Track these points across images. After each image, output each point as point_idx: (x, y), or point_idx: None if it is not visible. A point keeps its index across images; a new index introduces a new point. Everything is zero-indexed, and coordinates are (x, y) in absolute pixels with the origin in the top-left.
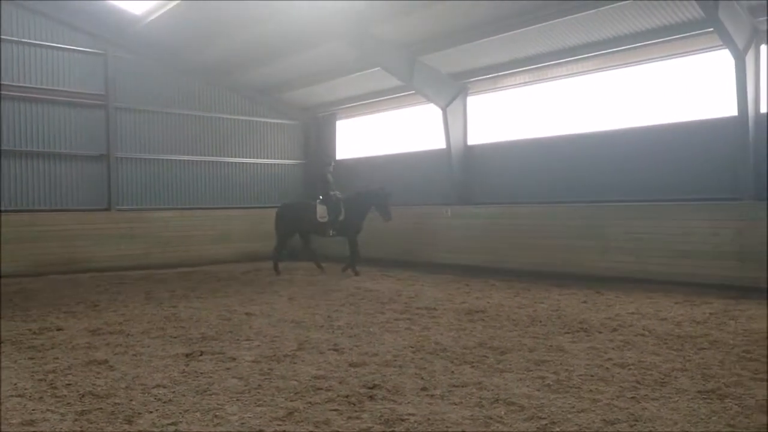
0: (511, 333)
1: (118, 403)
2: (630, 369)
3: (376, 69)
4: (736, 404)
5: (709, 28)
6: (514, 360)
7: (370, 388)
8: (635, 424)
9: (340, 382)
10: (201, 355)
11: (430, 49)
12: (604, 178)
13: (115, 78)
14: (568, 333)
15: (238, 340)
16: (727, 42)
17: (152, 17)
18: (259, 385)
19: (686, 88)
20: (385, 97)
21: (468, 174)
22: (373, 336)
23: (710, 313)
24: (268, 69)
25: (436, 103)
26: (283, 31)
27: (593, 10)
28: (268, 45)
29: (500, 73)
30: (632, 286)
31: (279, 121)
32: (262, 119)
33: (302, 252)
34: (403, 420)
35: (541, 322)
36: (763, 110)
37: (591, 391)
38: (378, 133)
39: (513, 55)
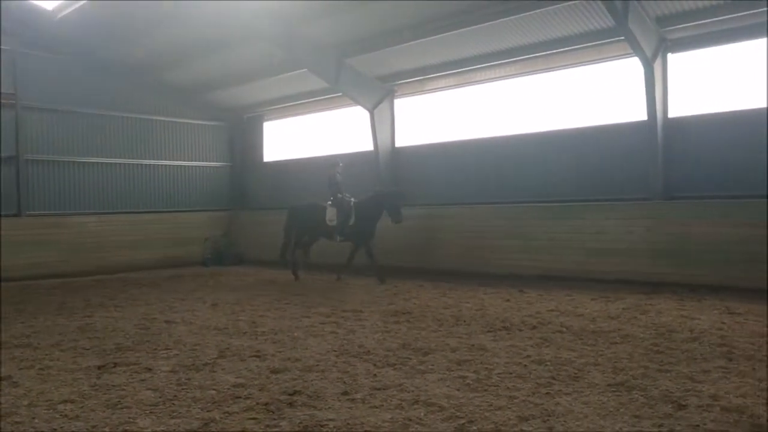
0: (435, 333)
1: (19, 422)
2: (546, 365)
3: (303, 70)
4: (641, 395)
5: (620, 36)
6: (437, 360)
7: (290, 394)
8: (548, 420)
9: (260, 390)
10: (114, 366)
11: (357, 51)
12: (526, 179)
13: (25, 76)
14: (490, 332)
15: (155, 349)
16: (637, 50)
17: (65, 12)
18: (175, 396)
19: (600, 93)
20: (313, 99)
21: (396, 176)
22: (298, 341)
23: (623, 309)
24: (192, 68)
25: (364, 105)
26: (207, 30)
27: (515, 16)
28: (192, 43)
29: (426, 76)
30: (553, 283)
31: (203, 122)
32: (186, 120)
33: (303, 258)
34: (322, 426)
35: (465, 321)
36: (670, 115)
37: (508, 388)
38: (306, 135)
39: (438, 59)
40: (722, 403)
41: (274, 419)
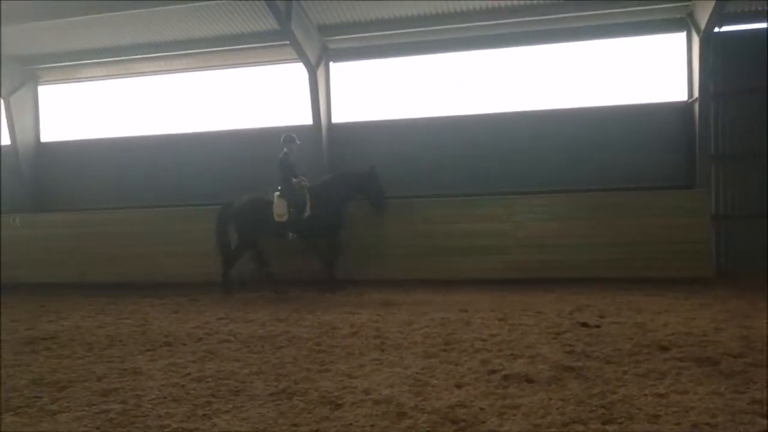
0: (80, 361)
1: None
2: (207, 381)
3: None
4: (301, 401)
5: (286, 41)
6: (76, 394)
7: None
8: None
9: None
10: None
11: None
12: (191, 180)
13: None
14: (150, 350)
15: None
16: (301, 55)
17: None
18: None
19: (272, 96)
20: None
21: (41, 176)
22: None
23: (292, 310)
24: None
25: None
26: None
27: (174, 6)
28: None
29: (79, 62)
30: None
31: None
32: None
33: (255, 270)
34: None
35: (121, 341)
36: (334, 121)
37: (160, 416)
38: None
39: (92, 44)
40: (373, 396)
41: None
